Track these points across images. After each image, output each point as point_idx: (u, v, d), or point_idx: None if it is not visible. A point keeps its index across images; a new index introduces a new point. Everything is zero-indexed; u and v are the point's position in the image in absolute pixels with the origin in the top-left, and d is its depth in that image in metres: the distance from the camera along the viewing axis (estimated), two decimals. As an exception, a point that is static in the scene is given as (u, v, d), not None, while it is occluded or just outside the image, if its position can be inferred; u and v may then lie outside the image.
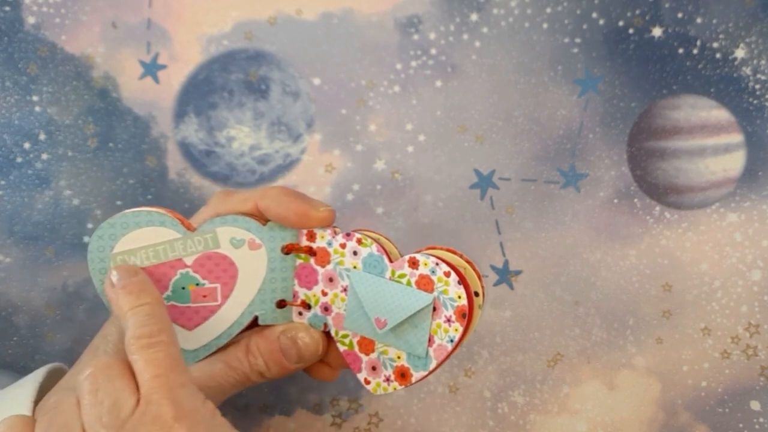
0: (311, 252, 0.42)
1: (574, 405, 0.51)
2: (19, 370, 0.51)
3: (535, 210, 0.51)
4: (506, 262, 0.51)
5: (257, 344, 0.42)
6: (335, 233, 0.42)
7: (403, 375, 0.41)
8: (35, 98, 0.51)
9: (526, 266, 0.51)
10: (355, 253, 0.41)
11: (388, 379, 0.41)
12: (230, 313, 0.42)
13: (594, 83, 0.50)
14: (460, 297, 0.39)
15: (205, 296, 0.42)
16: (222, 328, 0.42)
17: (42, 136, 0.51)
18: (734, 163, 0.50)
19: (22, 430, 0.35)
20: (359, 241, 0.41)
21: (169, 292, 0.41)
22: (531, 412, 0.51)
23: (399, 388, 0.41)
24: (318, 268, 0.42)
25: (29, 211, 0.51)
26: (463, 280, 0.39)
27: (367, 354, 0.42)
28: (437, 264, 0.39)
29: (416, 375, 0.41)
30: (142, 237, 0.41)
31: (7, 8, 0.51)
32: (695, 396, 0.50)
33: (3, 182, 0.51)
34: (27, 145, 0.51)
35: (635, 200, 0.51)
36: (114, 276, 0.39)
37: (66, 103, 0.51)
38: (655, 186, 0.50)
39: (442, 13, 0.51)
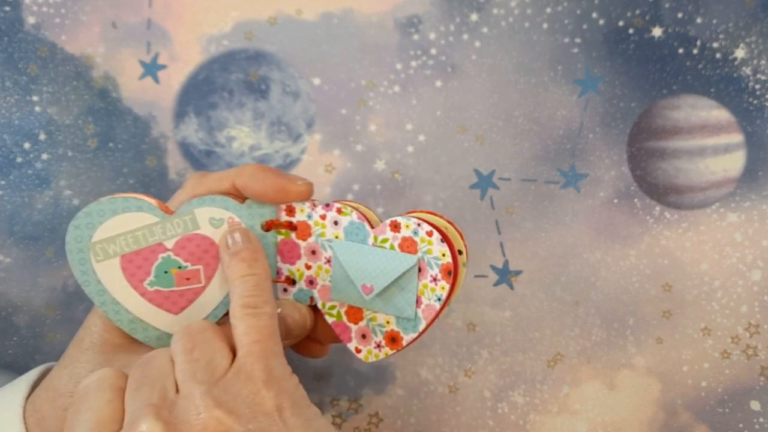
0: (291, 226, 0.42)
1: (574, 405, 0.51)
2: (19, 370, 0.51)
3: (535, 210, 0.51)
4: (506, 262, 0.51)
5: None
6: (314, 205, 0.41)
7: (393, 339, 0.41)
8: (35, 98, 0.51)
9: (526, 266, 0.51)
10: (335, 223, 0.41)
11: (378, 346, 0.41)
12: (215, 294, 0.42)
13: (594, 83, 0.50)
14: (444, 255, 0.39)
15: (188, 279, 0.41)
16: (208, 310, 0.42)
17: (42, 136, 0.51)
18: (734, 163, 0.50)
19: (114, 382, 0.36)
20: (339, 211, 0.41)
21: (152, 277, 0.41)
22: (531, 412, 0.51)
23: (390, 353, 0.41)
24: (300, 242, 0.42)
25: (29, 211, 0.51)
26: (446, 238, 0.39)
27: (355, 323, 0.42)
28: (419, 225, 0.40)
29: (406, 338, 0.41)
30: (120, 223, 0.40)
31: (7, 8, 0.51)
32: (695, 396, 0.50)
33: (3, 182, 0.52)
34: (27, 145, 0.51)
35: (635, 200, 0.51)
36: (230, 239, 0.40)
37: (66, 103, 0.51)
38: (655, 186, 0.50)
39: (442, 13, 0.51)
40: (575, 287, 0.51)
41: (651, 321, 0.51)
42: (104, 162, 0.52)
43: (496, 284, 0.51)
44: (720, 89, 0.50)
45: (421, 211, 0.41)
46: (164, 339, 0.42)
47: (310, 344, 0.44)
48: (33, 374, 0.44)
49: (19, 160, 0.52)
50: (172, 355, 0.37)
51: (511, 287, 0.51)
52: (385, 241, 0.40)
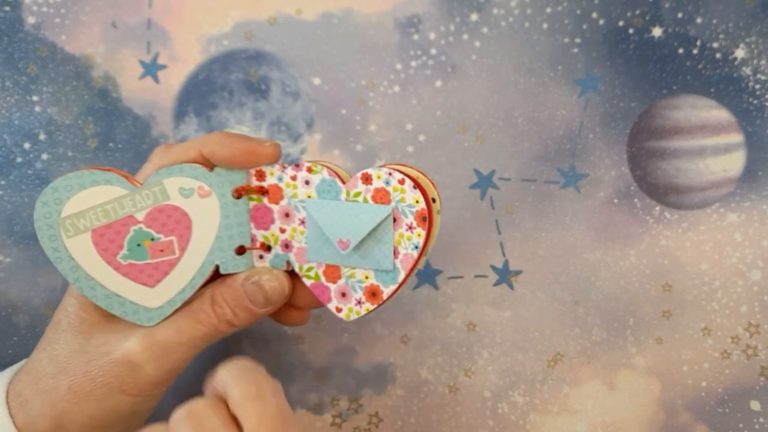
0: (263, 191, 0.42)
1: (574, 405, 0.51)
2: (19, 370, 0.52)
3: (535, 210, 0.51)
4: (506, 262, 0.51)
5: (222, 294, 0.42)
6: (284, 168, 0.41)
7: (374, 294, 0.41)
8: (35, 98, 0.51)
9: (526, 266, 0.51)
10: (307, 182, 0.41)
11: (359, 302, 0.41)
12: (191, 265, 0.41)
13: (594, 83, 0.50)
14: (417, 202, 0.39)
15: (162, 250, 0.41)
16: (185, 281, 0.42)
17: (42, 136, 0.51)
18: (734, 163, 0.50)
19: None
20: (309, 170, 0.41)
21: (125, 251, 0.41)
22: (531, 412, 0.51)
23: (372, 308, 0.41)
24: (272, 206, 0.42)
25: (29, 210, 0.51)
26: (418, 185, 0.39)
27: (334, 282, 0.42)
28: (390, 174, 0.40)
29: (387, 290, 0.41)
30: (89, 198, 0.40)
31: (7, 8, 0.51)
32: (695, 396, 0.50)
33: (3, 182, 0.52)
34: (27, 145, 0.51)
35: (635, 200, 0.51)
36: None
37: (66, 103, 0.51)
38: (655, 186, 0.50)
39: (442, 13, 0.51)
40: (575, 287, 0.51)
41: (651, 321, 0.51)
42: (104, 162, 0.52)
43: (496, 284, 0.51)
44: (720, 89, 0.50)
45: (393, 165, 0.41)
46: (141, 312, 0.41)
47: (289, 311, 0.44)
48: (16, 366, 0.44)
49: (19, 160, 0.52)
50: None
51: (511, 287, 0.51)
52: (357, 194, 0.40)
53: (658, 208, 0.50)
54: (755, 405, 0.50)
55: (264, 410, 0.33)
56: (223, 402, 0.34)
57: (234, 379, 0.34)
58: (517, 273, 0.51)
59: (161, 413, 0.43)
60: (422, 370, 0.51)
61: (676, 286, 0.50)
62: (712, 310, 0.50)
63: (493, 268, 0.51)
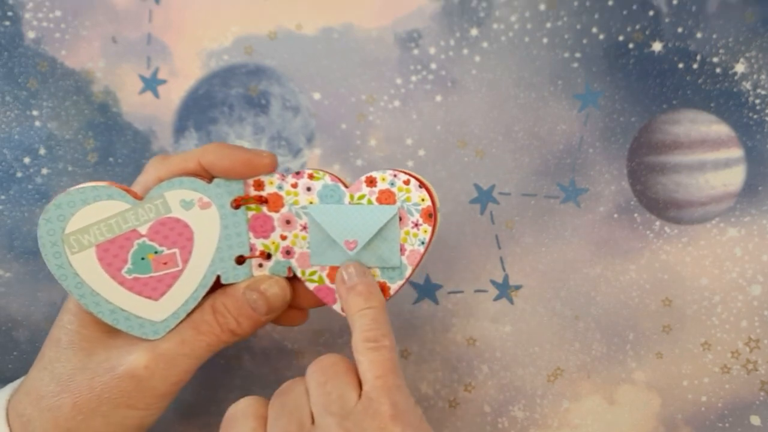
0: (262, 200, 0.42)
1: (574, 420, 0.51)
2: (19, 384, 0.52)
3: (535, 225, 0.51)
4: (506, 277, 0.51)
5: (224, 304, 0.42)
6: (284, 177, 0.42)
7: (380, 290, 0.42)
8: (35, 113, 0.51)
9: (526, 281, 0.51)
10: (308, 189, 0.42)
11: None
12: (193, 277, 0.42)
13: (594, 98, 0.50)
14: (423, 200, 0.41)
15: (165, 263, 0.41)
16: (188, 293, 0.42)
17: (42, 151, 0.51)
18: (734, 178, 0.50)
19: (257, 410, 0.39)
20: (311, 176, 0.42)
21: (129, 265, 0.41)
22: (531, 426, 0.51)
23: None
24: (272, 214, 0.42)
25: (29, 225, 0.51)
26: (423, 184, 0.41)
27: None
28: (395, 176, 0.41)
29: (394, 286, 0.42)
30: (92, 213, 0.40)
31: (7, 23, 0.51)
32: (695, 411, 0.50)
33: (3, 197, 0.51)
34: (27, 160, 0.51)
35: (635, 215, 0.50)
36: (345, 274, 0.42)
37: (66, 118, 0.51)
38: (655, 201, 0.50)
39: (442, 27, 0.51)
40: (575, 302, 0.51)
41: (651, 336, 0.51)
42: (104, 177, 0.52)
43: (496, 299, 0.51)
44: (720, 104, 0.50)
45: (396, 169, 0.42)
46: (147, 326, 0.42)
47: (290, 313, 0.45)
48: (15, 383, 0.44)
49: (19, 174, 0.51)
50: (308, 386, 0.39)
51: (511, 302, 0.51)
52: (362, 197, 0.41)
53: (658, 223, 0.50)
54: (755, 420, 0.50)
55: (377, 357, 0.38)
56: (348, 361, 0.40)
57: (359, 325, 0.40)
58: (517, 288, 0.51)
59: (160, 423, 0.43)
60: (422, 385, 0.51)
61: (676, 300, 0.50)
62: (712, 325, 0.50)
63: (493, 282, 0.51)
